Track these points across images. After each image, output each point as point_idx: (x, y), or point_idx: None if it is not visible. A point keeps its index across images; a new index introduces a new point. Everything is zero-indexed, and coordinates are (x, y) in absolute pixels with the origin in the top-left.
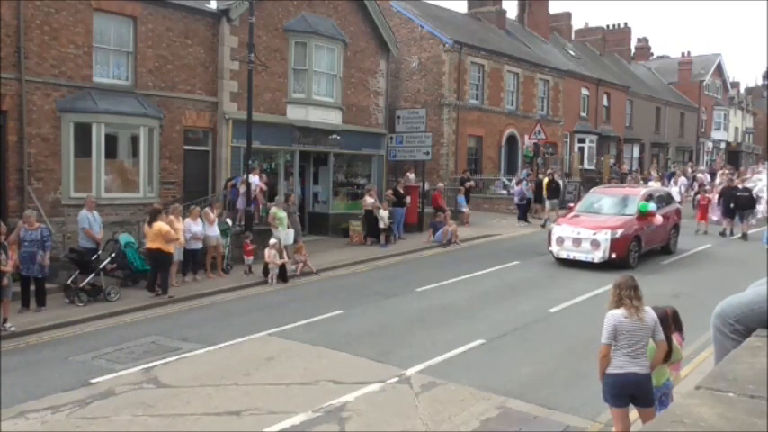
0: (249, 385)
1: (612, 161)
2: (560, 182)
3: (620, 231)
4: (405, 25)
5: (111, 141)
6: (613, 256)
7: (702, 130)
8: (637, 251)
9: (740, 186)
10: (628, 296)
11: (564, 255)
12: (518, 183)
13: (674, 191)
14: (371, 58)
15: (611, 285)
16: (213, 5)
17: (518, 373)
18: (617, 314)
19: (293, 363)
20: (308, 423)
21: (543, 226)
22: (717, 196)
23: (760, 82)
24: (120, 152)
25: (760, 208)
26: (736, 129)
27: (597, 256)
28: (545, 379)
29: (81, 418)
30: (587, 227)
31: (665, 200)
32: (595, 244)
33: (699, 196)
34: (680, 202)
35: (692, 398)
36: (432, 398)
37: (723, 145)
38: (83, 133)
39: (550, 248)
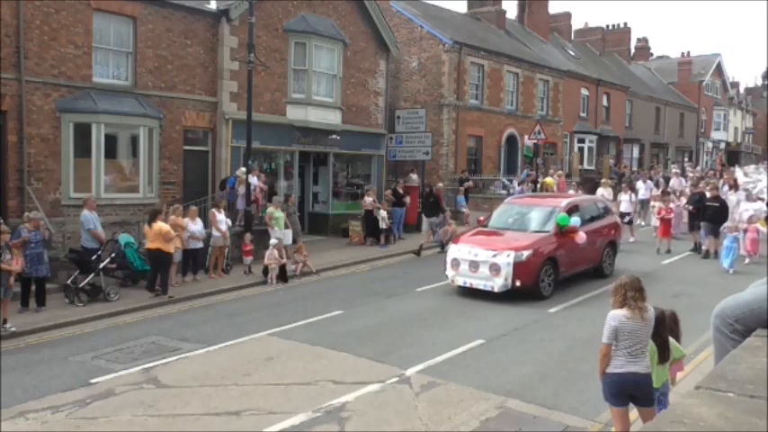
0: (249, 385)
1: (612, 161)
2: (439, 194)
3: (526, 253)
4: (405, 25)
5: (110, 141)
6: (518, 283)
7: (702, 131)
8: (552, 276)
9: (708, 195)
10: (633, 298)
11: (460, 281)
12: (519, 183)
13: (624, 200)
14: (371, 59)
15: (612, 285)
16: (213, 5)
17: (518, 373)
18: (619, 315)
19: (293, 363)
20: (307, 423)
21: (441, 250)
22: (684, 204)
23: (760, 82)
24: (119, 152)
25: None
26: (736, 129)
27: (498, 284)
28: (545, 379)
29: (81, 418)
30: (487, 247)
31: (604, 211)
32: (495, 269)
33: (659, 204)
34: (628, 214)
35: (692, 398)
36: (431, 398)
37: (723, 145)
38: (82, 133)
39: (446, 273)
